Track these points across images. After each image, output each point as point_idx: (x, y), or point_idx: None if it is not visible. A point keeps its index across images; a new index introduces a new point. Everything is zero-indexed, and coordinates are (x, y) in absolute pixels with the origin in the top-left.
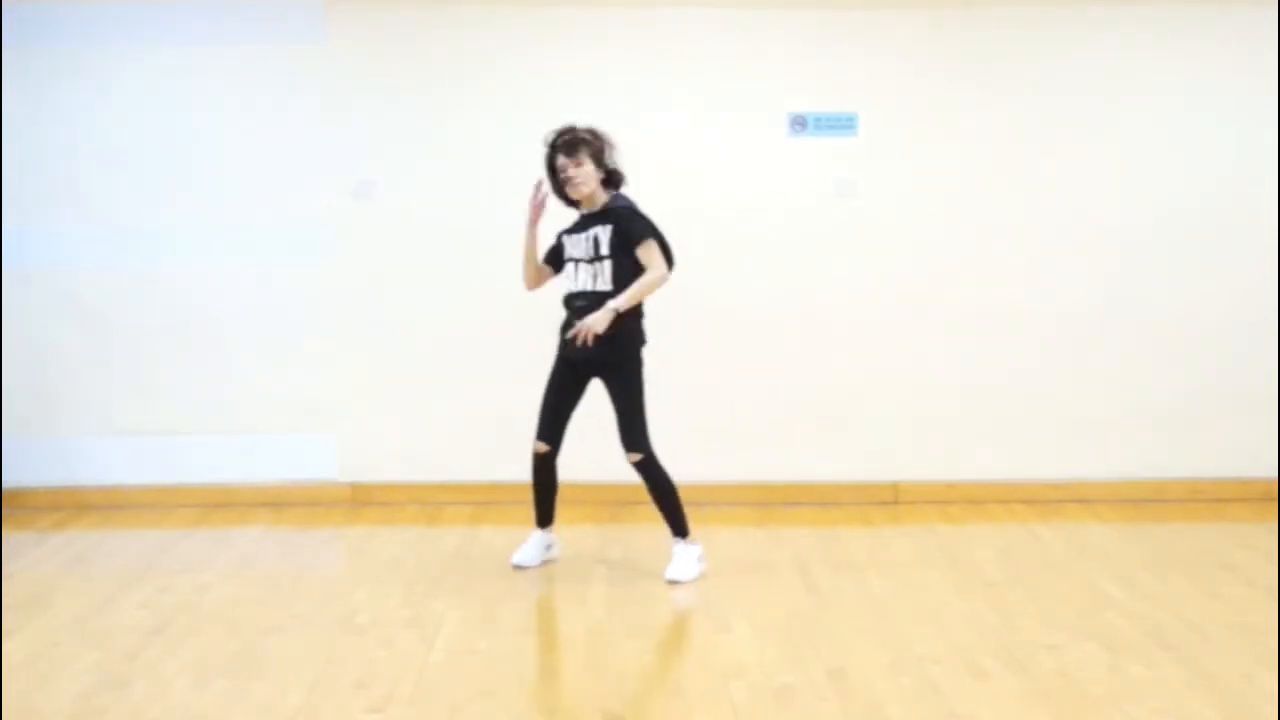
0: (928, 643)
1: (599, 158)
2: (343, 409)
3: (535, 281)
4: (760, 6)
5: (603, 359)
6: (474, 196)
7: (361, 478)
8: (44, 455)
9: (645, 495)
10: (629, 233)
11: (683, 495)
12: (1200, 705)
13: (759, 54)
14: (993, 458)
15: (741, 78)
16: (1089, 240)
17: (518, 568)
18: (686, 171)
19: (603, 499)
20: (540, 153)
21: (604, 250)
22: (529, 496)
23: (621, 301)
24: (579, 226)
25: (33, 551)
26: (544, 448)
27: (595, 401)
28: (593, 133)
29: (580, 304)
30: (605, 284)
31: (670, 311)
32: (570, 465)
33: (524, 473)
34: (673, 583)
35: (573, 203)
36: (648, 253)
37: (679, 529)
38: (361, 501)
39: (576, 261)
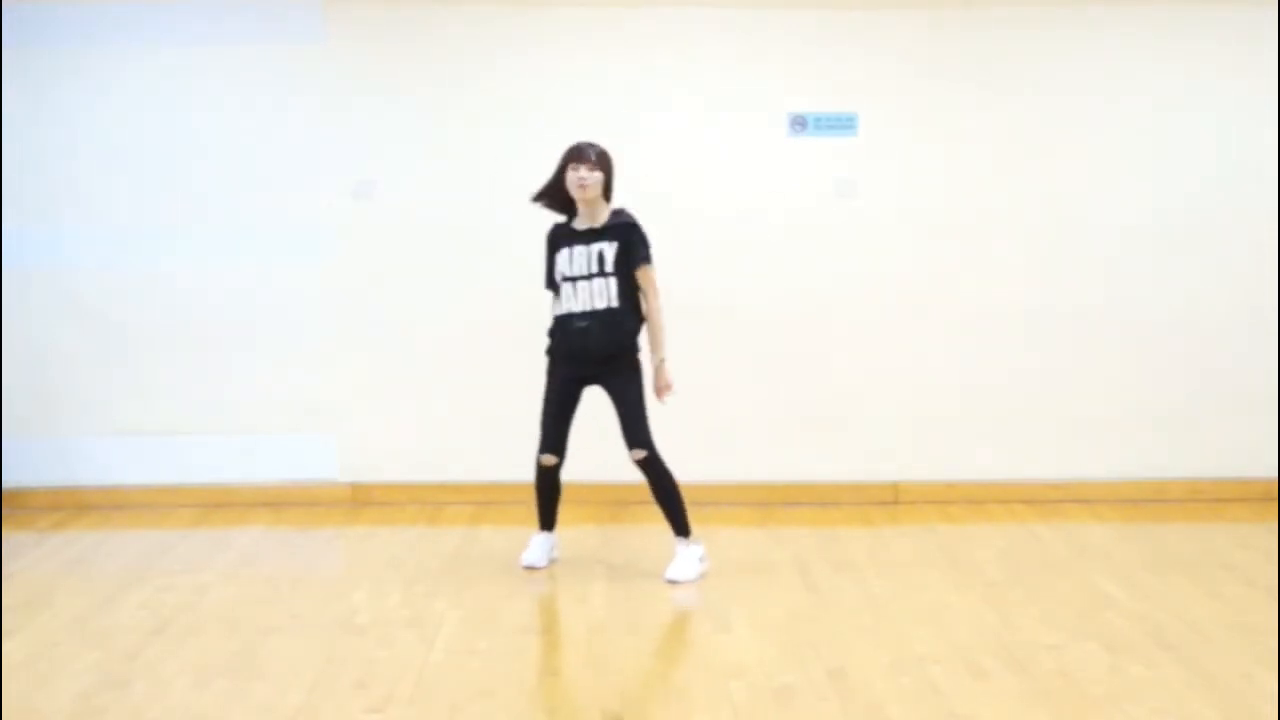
0: (928, 643)
1: (609, 172)
2: (343, 409)
3: None
4: (760, 6)
5: (606, 362)
6: (474, 196)
7: (361, 478)
8: (44, 455)
9: (645, 495)
10: (634, 254)
11: (683, 501)
12: (1200, 705)
13: (759, 54)
14: (993, 458)
15: (741, 78)
16: (1089, 240)
17: (529, 569)
18: (686, 171)
19: (603, 499)
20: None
21: (608, 267)
22: (529, 496)
23: (663, 352)
24: (579, 239)
25: (33, 551)
26: (553, 460)
27: (595, 403)
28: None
29: (582, 324)
30: (610, 301)
31: (670, 312)
32: (570, 465)
33: (524, 473)
34: (672, 582)
35: (567, 208)
36: (647, 278)
37: (681, 528)
38: (361, 501)
39: (574, 280)
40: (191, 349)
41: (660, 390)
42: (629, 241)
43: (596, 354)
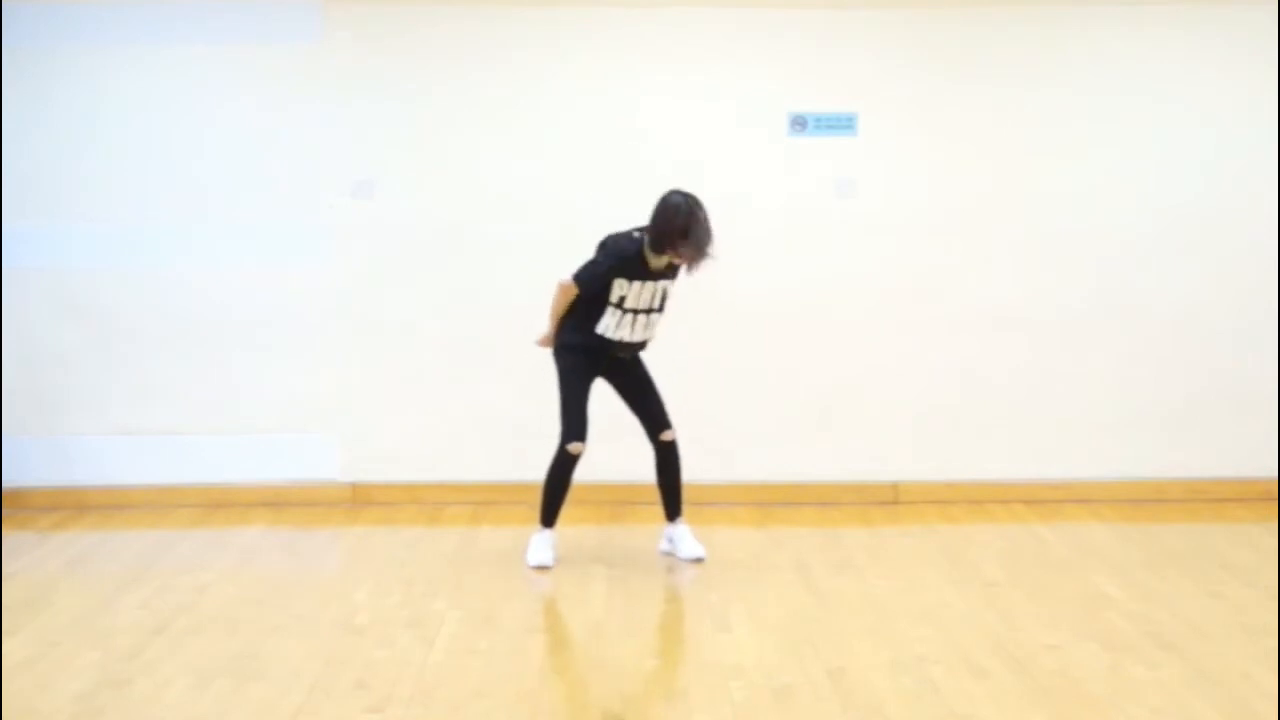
0: (928, 643)
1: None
2: (343, 409)
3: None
4: (760, 6)
5: (636, 353)
6: (474, 196)
7: (361, 478)
8: (44, 455)
9: (645, 495)
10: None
11: (684, 495)
12: (1200, 705)
13: (759, 54)
14: (993, 458)
15: (741, 78)
16: (1089, 240)
17: (540, 568)
18: (686, 171)
19: (603, 499)
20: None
21: (664, 304)
22: (529, 497)
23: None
24: (649, 275)
25: (33, 551)
26: (582, 448)
27: (595, 404)
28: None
29: (625, 354)
30: (653, 332)
31: (670, 311)
32: None
33: (524, 473)
34: (698, 560)
35: (640, 256)
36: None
37: (681, 508)
38: (361, 501)
39: (635, 312)
40: (191, 349)
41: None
42: (674, 278)
43: (623, 364)
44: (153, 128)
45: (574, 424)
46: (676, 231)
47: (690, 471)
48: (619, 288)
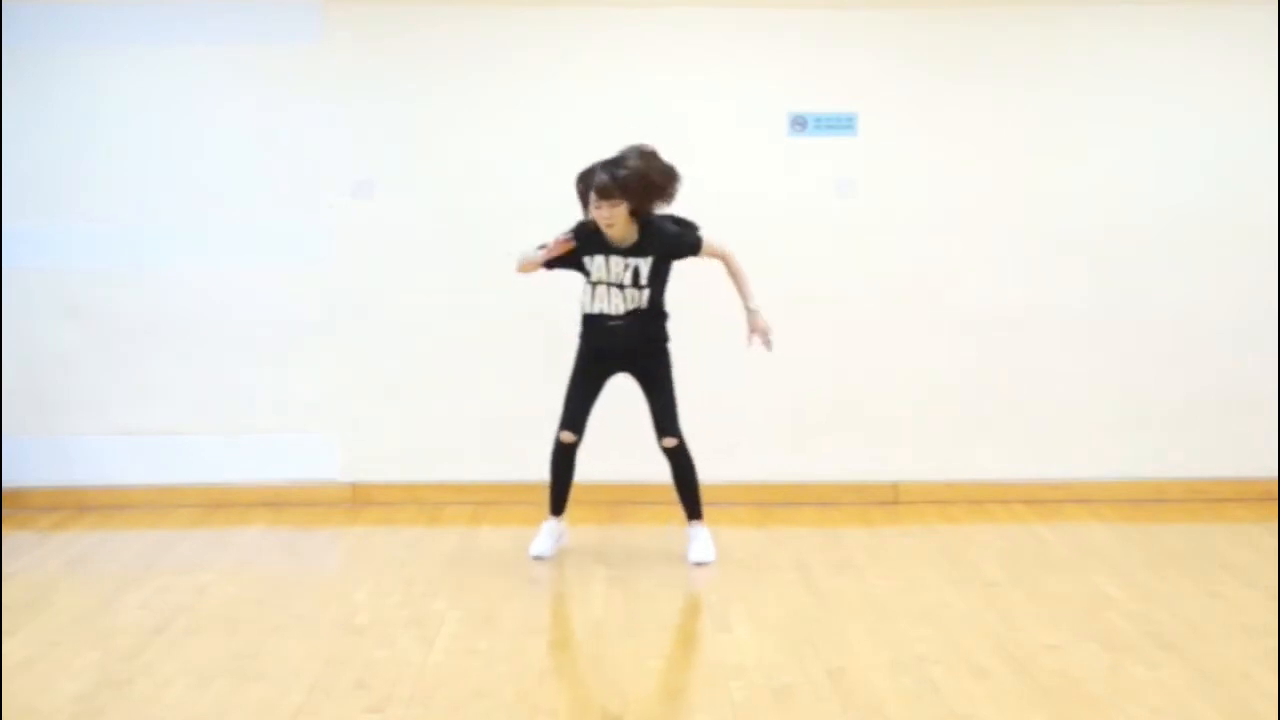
0: (928, 643)
1: (637, 194)
2: (343, 409)
3: (528, 272)
4: (760, 6)
5: (640, 351)
6: (474, 196)
7: (361, 478)
8: (44, 455)
9: (645, 495)
10: (681, 252)
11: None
12: (1200, 705)
13: (759, 54)
14: (993, 458)
15: (741, 78)
16: (1089, 240)
17: (538, 558)
18: (686, 171)
19: (603, 499)
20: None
21: (643, 281)
22: (529, 497)
23: (757, 302)
24: (611, 250)
25: (33, 551)
26: (571, 437)
27: (599, 404)
28: (638, 168)
29: (615, 323)
30: (641, 304)
31: (670, 311)
32: None
33: (524, 472)
34: (700, 564)
35: (612, 232)
36: (711, 250)
37: (697, 512)
38: (361, 501)
39: (609, 285)
40: (191, 349)
41: (761, 333)
42: (669, 250)
43: (627, 347)
44: (153, 128)
45: (567, 413)
46: (583, 192)
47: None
48: (593, 267)
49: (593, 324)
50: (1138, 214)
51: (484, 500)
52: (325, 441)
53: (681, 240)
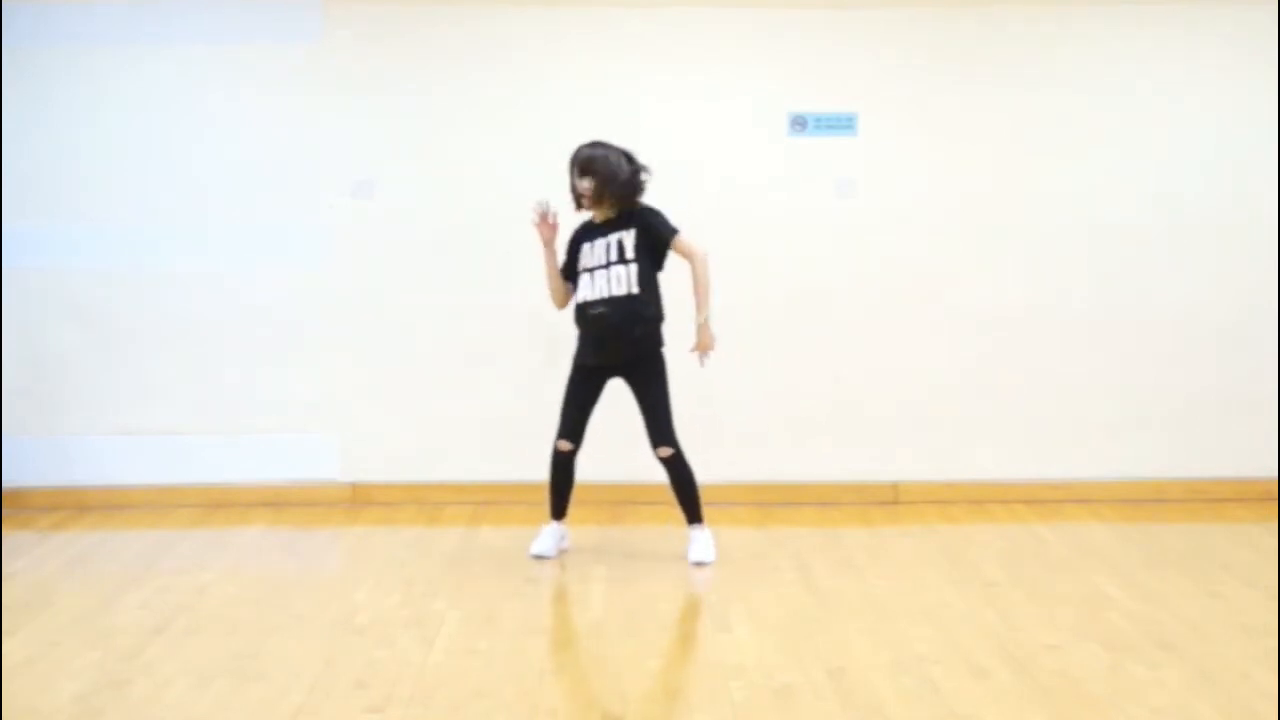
0: (928, 643)
1: (603, 175)
2: (343, 409)
3: (563, 300)
4: (760, 6)
5: (632, 359)
6: (474, 196)
7: (361, 478)
8: (44, 455)
9: (645, 495)
10: (658, 234)
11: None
12: (1200, 705)
13: (759, 54)
14: (993, 458)
15: (741, 78)
16: (1089, 240)
17: (538, 557)
18: (686, 171)
19: (603, 499)
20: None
21: (629, 254)
22: (529, 496)
23: (706, 312)
24: (598, 232)
25: (33, 551)
26: (568, 446)
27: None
28: (602, 147)
29: (599, 310)
30: (628, 288)
31: (669, 311)
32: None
33: (524, 472)
34: (700, 565)
35: (600, 213)
36: (681, 246)
37: (696, 516)
38: (361, 501)
39: (592, 270)
40: (191, 349)
41: (701, 346)
42: (648, 225)
43: (615, 339)
44: (153, 128)
45: (563, 422)
46: (572, 173)
47: (695, 486)
48: (583, 257)
49: (582, 315)
50: (1138, 214)
51: (484, 500)
52: (325, 441)
53: (660, 221)
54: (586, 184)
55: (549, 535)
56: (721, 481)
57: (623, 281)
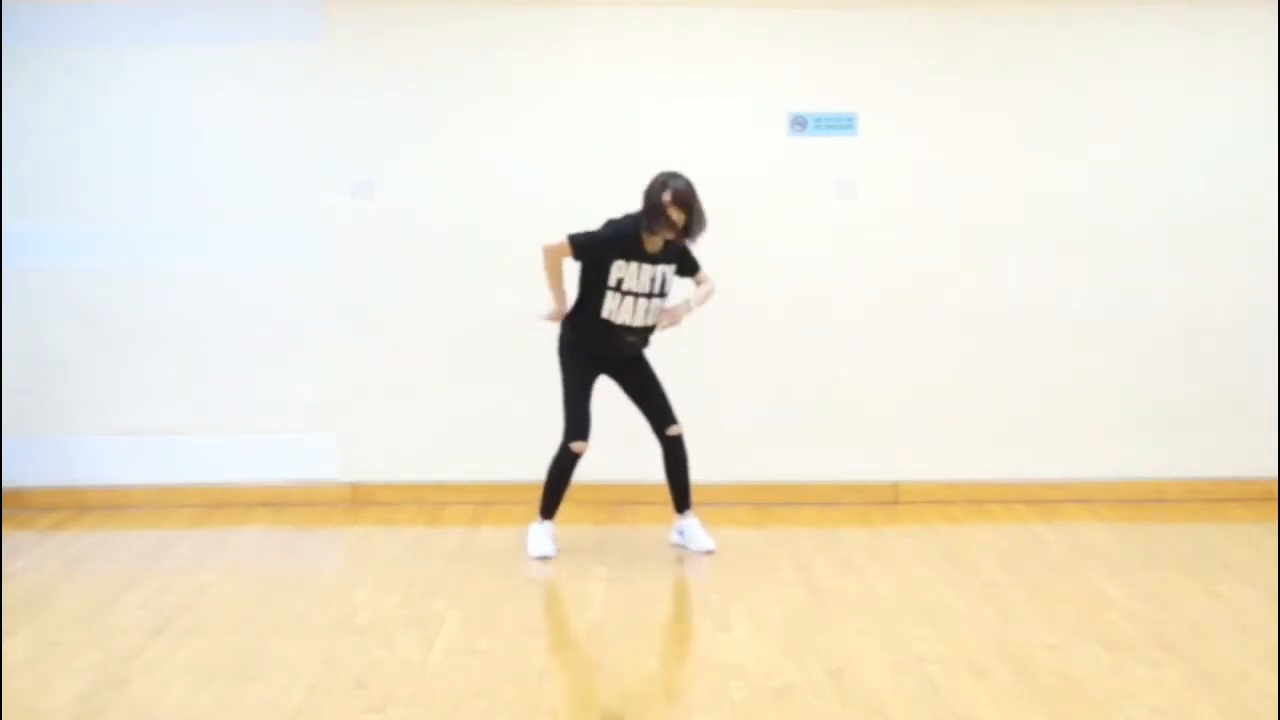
0: (928, 643)
1: (702, 214)
2: (343, 409)
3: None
4: (760, 6)
5: (638, 352)
6: (474, 196)
7: (361, 478)
8: (44, 455)
9: (645, 495)
10: (689, 266)
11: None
12: (1200, 705)
13: (759, 54)
14: (993, 458)
15: (741, 78)
16: (1089, 240)
17: (542, 558)
18: (686, 172)
19: (603, 499)
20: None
21: (666, 289)
22: (529, 497)
23: (696, 306)
24: (643, 256)
25: (33, 551)
26: (584, 447)
27: (594, 404)
28: (687, 181)
29: (632, 339)
30: (653, 319)
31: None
32: None
33: (524, 472)
34: (709, 552)
35: (636, 237)
36: (703, 276)
37: (689, 501)
38: (361, 501)
39: (635, 295)
40: (191, 349)
41: (672, 315)
42: (688, 260)
43: (629, 357)
44: (153, 128)
45: (576, 423)
46: (659, 200)
47: (691, 471)
48: (617, 270)
49: (607, 330)
50: (1138, 214)
51: (484, 500)
52: (325, 441)
53: (691, 257)
54: (679, 216)
55: (546, 535)
56: (721, 481)
57: (653, 313)
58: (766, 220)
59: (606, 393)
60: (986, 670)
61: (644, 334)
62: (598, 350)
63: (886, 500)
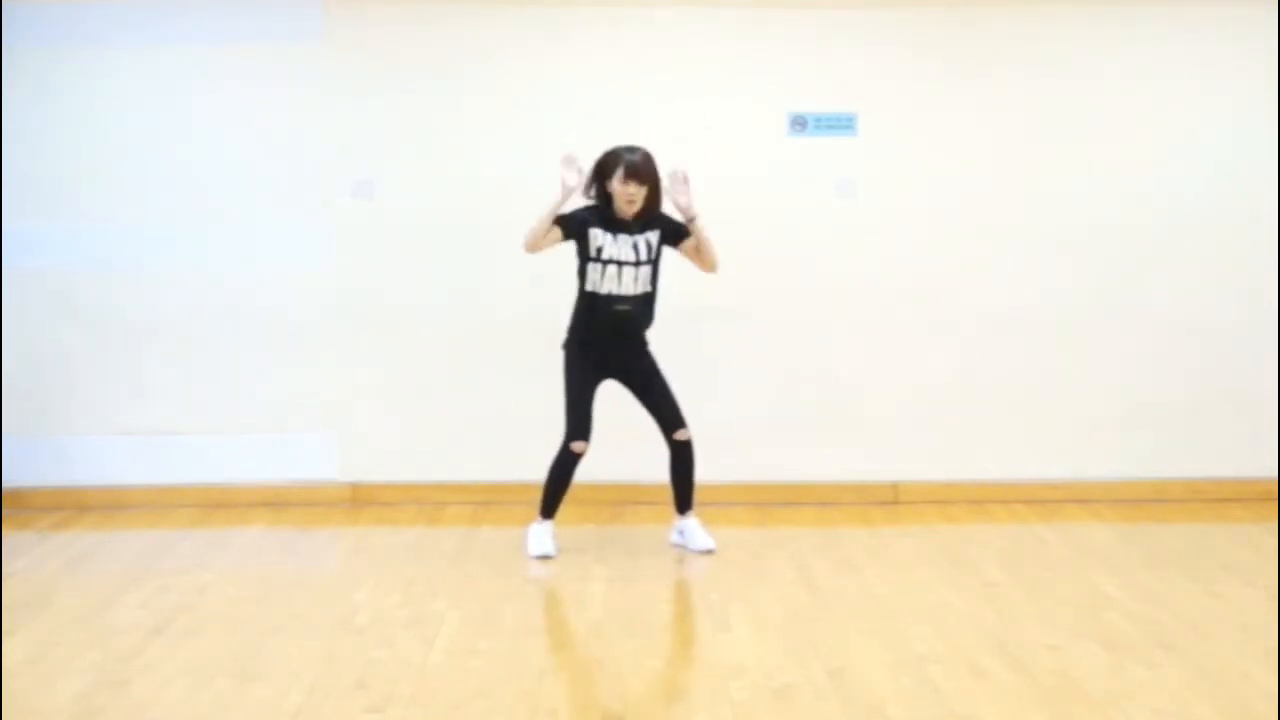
0: (928, 643)
1: (658, 183)
2: (343, 409)
3: (539, 247)
4: (760, 6)
5: (636, 354)
6: (474, 196)
7: (361, 478)
8: (44, 455)
9: (645, 495)
10: (678, 232)
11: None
12: (1200, 705)
13: (759, 54)
14: (993, 458)
15: (741, 78)
16: (1089, 240)
17: (543, 558)
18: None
19: (603, 499)
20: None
21: (653, 254)
22: (529, 497)
23: (704, 222)
24: (619, 227)
25: (33, 551)
26: (585, 447)
27: (595, 404)
28: (644, 154)
29: (624, 306)
30: (644, 287)
31: (670, 311)
32: None
33: (524, 473)
34: (709, 551)
35: (607, 209)
36: (697, 235)
37: (691, 502)
38: (361, 501)
39: (620, 264)
40: (191, 349)
41: (675, 187)
42: (674, 227)
43: (632, 335)
44: (153, 128)
45: (577, 423)
46: (601, 172)
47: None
48: (595, 238)
49: (600, 307)
50: (1138, 214)
51: (484, 500)
52: (325, 441)
53: (673, 222)
54: (635, 189)
55: (546, 534)
56: (721, 481)
57: (642, 281)
58: (766, 220)
59: (607, 393)
60: (986, 670)
61: (637, 303)
62: (602, 330)
63: (886, 500)
